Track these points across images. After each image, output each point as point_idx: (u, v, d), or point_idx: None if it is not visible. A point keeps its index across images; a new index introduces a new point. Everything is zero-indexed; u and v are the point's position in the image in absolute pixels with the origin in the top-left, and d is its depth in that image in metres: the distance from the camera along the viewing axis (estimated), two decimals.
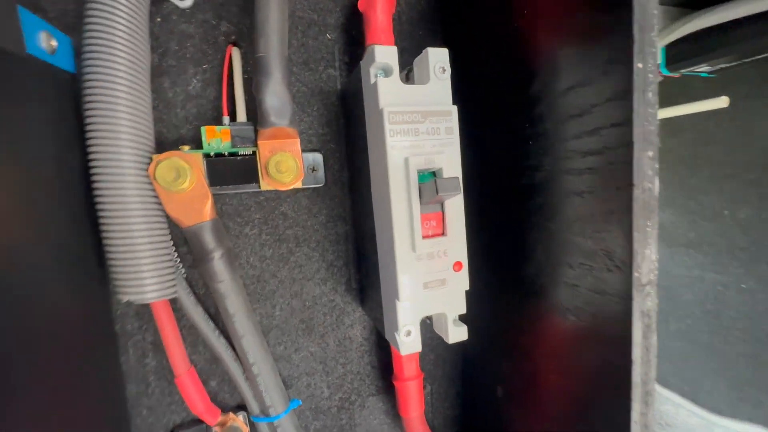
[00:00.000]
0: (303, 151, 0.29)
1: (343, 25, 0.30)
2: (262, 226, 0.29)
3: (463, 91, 0.25)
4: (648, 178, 0.16)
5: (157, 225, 0.23)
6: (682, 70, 0.74)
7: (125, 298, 0.22)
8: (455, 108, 0.23)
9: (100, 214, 0.22)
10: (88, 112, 0.21)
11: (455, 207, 0.23)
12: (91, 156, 0.22)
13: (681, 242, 0.85)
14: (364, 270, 0.31)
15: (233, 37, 0.27)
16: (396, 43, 0.30)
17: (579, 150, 0.19)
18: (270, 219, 0.29)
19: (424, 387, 0.35)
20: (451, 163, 0.22)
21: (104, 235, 0.22)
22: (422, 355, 0.34)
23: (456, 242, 0.23)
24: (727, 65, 0.71)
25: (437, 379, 0.35)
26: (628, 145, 0.16)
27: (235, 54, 0.26)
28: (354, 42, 0.30)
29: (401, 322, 0.23)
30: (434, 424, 0.35)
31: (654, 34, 0.15)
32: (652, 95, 0.15)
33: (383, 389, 0.33)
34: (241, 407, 0.29)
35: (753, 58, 0.65)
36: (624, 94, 0.16)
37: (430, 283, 0.23)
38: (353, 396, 0.32)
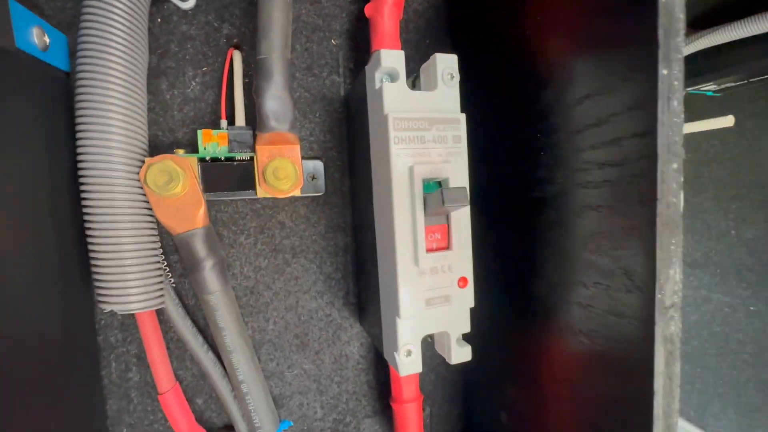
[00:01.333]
0: (303, 158, 0.28)
1: (348, 31, 0.29)
2: (258, 236, 0.27)
3: (472, 101, 0.24)
4: (673, 192, 0.15)
5: (146, 231, 0.22)
6: (688, 89, 0.74)
7: (108, 308, 0.21)
8: (463, 116, 0.22)
9: (87, 217, 0.21)
10: (79, 111, 0.20)
11: (461, 219, 0.22)
12: (80, 156, 0.20)
13: (686, 262, 0.83)
14: (363, 284, 0.29)
15: (235, 40, 0.26)
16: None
17: (596, 161, 0.18)
18: (266, 228, 0.28)
19: (424, 409, 0.33)
20: (458, 173, 0.21)
21: (90, 240, 0.21)
22: (422, 376, 0.32)
23: (461, 257, 0.22)
24: (734, 84, 0.70)
25: (437, 402, 0.33)
26: (651, 156, 0.15)
27: (237, 57, 0.25)
28: (359, 48, 0.29)
29: (401, 340, 0.22)
30: None
31: (680, 39, 0.14)
32: (677, 104, 0.14)
33: (380, 411, 0.31)
34: (229, 428, 0.27)
35: (759, 78, 0.64)
36: (647, 103, 0.15)
37: (433, 299, 0.22)
38: (348, 417, 0.31)
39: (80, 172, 0.21)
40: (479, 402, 0.31)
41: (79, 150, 0.20)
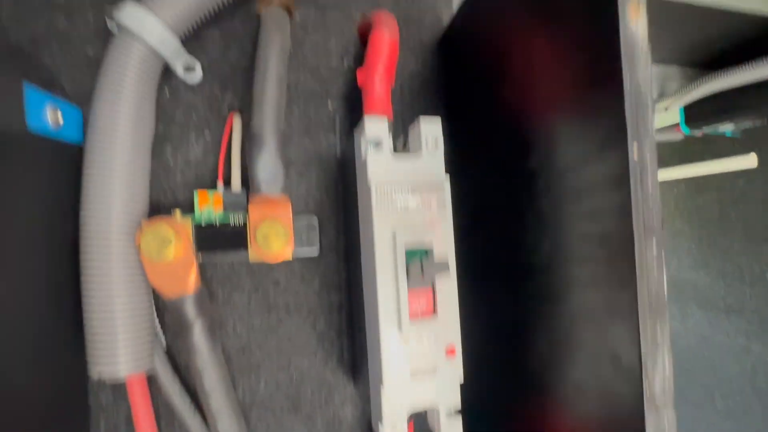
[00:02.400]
0: (298, 212, 0.28)
1: (345, 94, 0.30)
2: (252, 294, 0.28)
3: (462, 160, 0.24)
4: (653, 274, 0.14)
5: (139, 294, 0.22)
6: (704, 129, 0.71)
7: (97, 371, 0.21)
8: (447, 178, 0.22)
9: (84, 278, 0.21)
10: (85, 180, 0.22)
11: (447, 285, 0.21)
12: (82, 220, 0.22)
13: (719, 307, 0.77)
14: (357, 344, 0.28)
15: (237, 105, 0.28)
16: (398, 113, 0.30)
17: (580, 233, 0.17)
18: (261, 287, 0.28)
19: None
20: (443, 241, 0.21)
21: (85, 301, 0.21)
22: None
23: (448, 324, 0.21)
24: (752, 126, 0.68)
25: None
26: (629, 236, 0.14)
27: (236, 120, 0.27)
28: (355, 109, 0.30)
29: (386, 413, 0.21)
30: None
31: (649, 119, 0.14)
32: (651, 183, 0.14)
33: None
34: None
35: None
36: (620, 180, 0.14)
37: (419, 371, 0.21)
38: None
39: (81, 235, 0.22)
40: None
41: (82, 213, 0.22)
